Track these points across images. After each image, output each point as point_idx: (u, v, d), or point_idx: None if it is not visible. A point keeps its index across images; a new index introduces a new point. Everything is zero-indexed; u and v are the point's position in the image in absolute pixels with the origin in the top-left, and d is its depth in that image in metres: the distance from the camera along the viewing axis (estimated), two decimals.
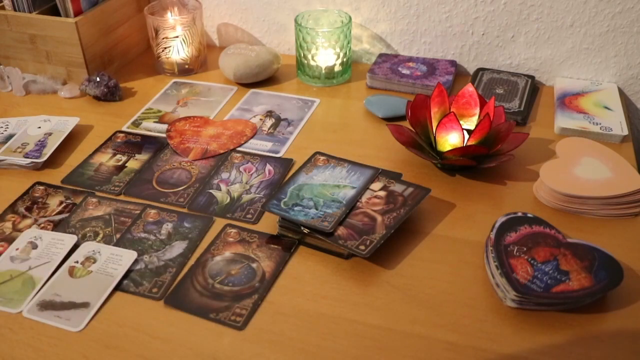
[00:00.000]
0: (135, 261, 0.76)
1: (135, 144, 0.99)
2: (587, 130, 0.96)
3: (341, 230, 0.75)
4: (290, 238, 0.79)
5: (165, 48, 1.17)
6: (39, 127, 1.01)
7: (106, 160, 0.95)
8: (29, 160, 0.93)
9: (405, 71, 1.13)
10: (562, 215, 0.81)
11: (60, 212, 0.85)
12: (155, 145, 0.98)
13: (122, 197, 0.88)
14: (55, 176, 0.92)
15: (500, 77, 1.11)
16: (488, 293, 0.70)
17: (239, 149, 0.97)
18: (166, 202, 0.86)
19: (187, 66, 1.20)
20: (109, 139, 1.01)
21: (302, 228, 0.76)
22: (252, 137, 1.00)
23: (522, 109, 1.02)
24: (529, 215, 0.76)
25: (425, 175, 0.89)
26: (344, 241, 0.74)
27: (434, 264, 0.75)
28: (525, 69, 1.14)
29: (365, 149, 0.96)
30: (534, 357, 0.63)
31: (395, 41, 1.20)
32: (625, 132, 0.95)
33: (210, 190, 0.88)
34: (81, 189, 0.89)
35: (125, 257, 0.76)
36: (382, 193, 0.81)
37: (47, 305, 0.70)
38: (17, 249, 0.78)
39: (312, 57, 1.12)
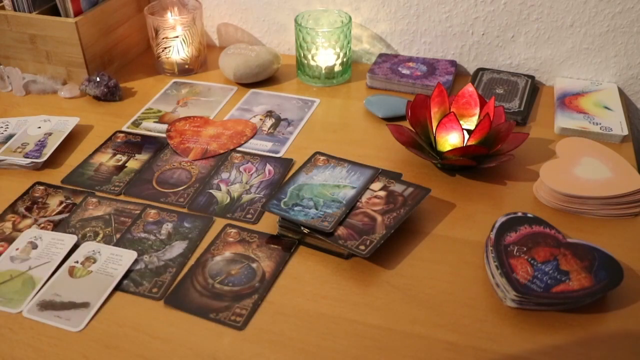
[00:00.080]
0: (135, 261, 0.76)
1: (135, 144, 0.99)
2: (587, 130, 0.96)
3: (341, 230, 0.75)
4: (290, 238, 0.79)
5: (165, 48, 1.17)
6: (39, 127, 1.01)
7: (106, 160, 0.95)
8: (29, 160, 0.93)
9: (405, 71, 1.13)
10: (562, 215, 0.81)
11: (60, 212, 0.85)
12: (155, 145, 0.98)
13: (122, 197, 0.88)
14: (55, 176, 0.92)
15: (500, 77, 1.11)
16: (488, 293, 0.70)
17: (239, 149, 0.97)
18: (166, 202, 0.86)
19: (187, 66, 1.20)
20: (109, 139, 1.01)
21: (302, 228, 0.76)
22: (252, 137, 1.00)
23: (522, 109, 1.02)
24: (529, 215, 0.76)
25: (425, 175, 0.89)
26: (344, 241, 0.74)
27: (434, 264, 0.75)
28: (525, 69, 1.14)
29: (365, 149, 0.96)
30: (534, 357, 0.63)
31: (395, 41, 1.20)
32: (625, 132, 0.95)
33: (210, 190, 0.88)
34: (81, 189, 0.89)
35: (125, 257, 0.76)
36: (382, 193, 0.81)
37: (47, 305, 0.70)
38: (17, 249, 0.78)
39: (312, 57, 1.12)
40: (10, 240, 0.80)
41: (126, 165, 0.94)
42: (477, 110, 0.90)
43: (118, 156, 0.96)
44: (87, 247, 0.78)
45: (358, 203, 0.80)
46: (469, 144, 0.86)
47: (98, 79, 1.10)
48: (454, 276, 0.73)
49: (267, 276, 0.73)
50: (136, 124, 1.05)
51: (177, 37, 1.16)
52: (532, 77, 1.11)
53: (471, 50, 1.15)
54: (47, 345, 0.66)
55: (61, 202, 0.87)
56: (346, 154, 0.90)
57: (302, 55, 1.13)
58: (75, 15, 1.10)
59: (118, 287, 0.72)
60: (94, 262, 0.75)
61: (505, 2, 1.08)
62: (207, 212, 0.84)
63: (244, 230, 0.80)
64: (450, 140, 0.87)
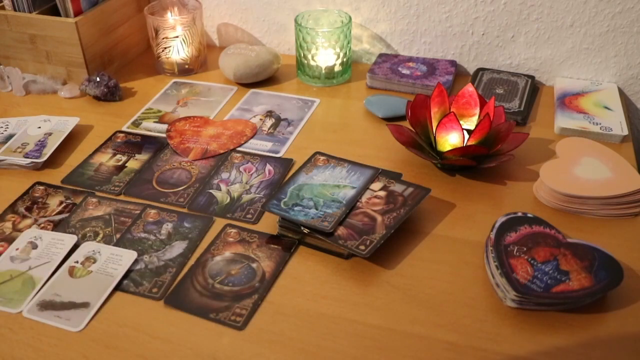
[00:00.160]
0: (135, 261, 0.76)
1: (135, 144, 0.99)
2: (587, 130, 0.96)
3: (341, 230, 0.75)
4: (290, 238, 0.79)
5: (165, 48, 1.17)
6: (39, 127, 1.01)
7: (106, 160, 0.95)
8: (29, 160, 0.93)
9: (405, 71, 1.13)
10: (562, 215, 0.81)
11: (60, 212, 0.85)
12: (155, 145, 0.98)
13: (122, 197, 0.88)
14: (55, 176, 0.92)
15: (500, 77, 1.11)
16: (488, 293, 0.70)
17: (239, 149, 0.97)
18: (166, 202, 0.86)
19: (187, 66, 1.20)
20: (109, 139, 1.01)
21: (302, 228, 0.76)
22: (252, 137, 1.00)
23: (522, 109, 1.02)
24: (529, 215, 0.76)
25: (425, 175, 0.89)
26: (344, 241, 0.74)
27: (434, 264, 0.75)
28: (525, 69, 1.14)
29: (365, 149, 0.96)
30: (534, 357, 0.63)
31: (395, 41, 1.20)
32: (625, 132, 0.95)
33: (210, 190, 0.88)
34: (81, 189, 0.89)
35: (125, 257, 0.76)
36: (382, 193, 0.81)
37: (47, 305, 0.70)
38: (17, 249, 0.78)
39: (312, 57, 1.12)
40: (10, 240, 0.80)
41: (126, 165, 0.94)
42: (477, 110, 0.90)
43: (118, 156, 0.96)
44: (87, 247, 0.78)
45: (358, 203, 0.80)
46: (469, 144, 0.86)
47: (98, 79, 1.10)
48: (454, 276, 0.73)
49: (267, 276, 0.73)
50: (136, 124, 1.05)
51: (177, 37, 1.16)
52: (532, 77, 1.11)
53: (471, 50, 1.15)
54: (47, 345, 0.66)
55: (61, 202, 0.87)
56: (346, 154, 0.90)
57: (302, 55, 1.13)
58: (75, 15, 1.10)
59: (118, 287, 0.72)
60: (94, 262, 0.75)
61: (505, 2, 1.08)
62: (207, 212, 0.84)
63: (244, 230, 0.80)
64: (450, 140, 0.87)
